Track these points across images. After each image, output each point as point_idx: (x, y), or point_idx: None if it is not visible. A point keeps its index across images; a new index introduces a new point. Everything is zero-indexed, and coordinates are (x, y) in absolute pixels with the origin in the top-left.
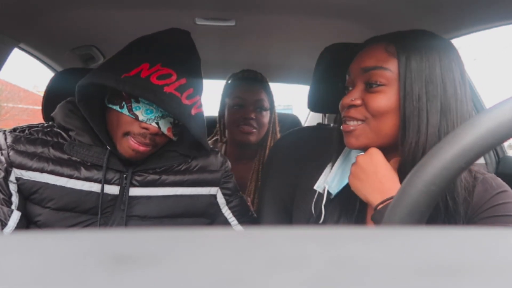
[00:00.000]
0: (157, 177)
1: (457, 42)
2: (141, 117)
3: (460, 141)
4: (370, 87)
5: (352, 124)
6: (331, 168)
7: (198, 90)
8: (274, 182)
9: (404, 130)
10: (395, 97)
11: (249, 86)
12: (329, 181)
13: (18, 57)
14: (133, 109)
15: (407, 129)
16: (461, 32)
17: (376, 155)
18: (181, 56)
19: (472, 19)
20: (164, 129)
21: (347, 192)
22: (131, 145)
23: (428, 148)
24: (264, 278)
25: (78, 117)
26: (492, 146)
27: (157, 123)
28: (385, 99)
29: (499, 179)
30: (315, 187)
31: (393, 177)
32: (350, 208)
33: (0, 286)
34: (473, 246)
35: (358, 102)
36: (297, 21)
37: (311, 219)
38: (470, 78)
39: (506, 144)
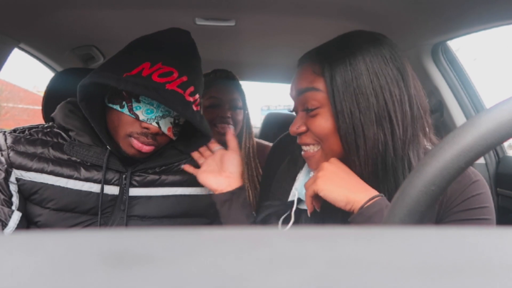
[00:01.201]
0: (156, 177)
1: (456, 42)
2: (141, 117)
3: (460, 141)
4: (308, 111)
5: (308, 150)
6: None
7: (198, 89)
8: (274, 182)
9: (344, 149)
10: (331, 117)
11: (223, 86)
12: (299, 188)
13: (18, 57)
14: (134, 109)
15: (346, 148)
16: (461, 32)
17: (339, 162)
18: (182, 55)
19: (472, 19)
20: (165, 129)
21: None
22: (134, 145)
23: (371, 163)
24: (264, 278)
25: (78, 117)
26: (492, 146)
27: (158, 123)
28: (324, 121)
29: (471, 167)
30: (289, 199)
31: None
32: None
33: (2, 286)
34: (473, 246)
35: (303, 128)
36: (297, 21)
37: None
38: (470, 78)
39: (506, 144)
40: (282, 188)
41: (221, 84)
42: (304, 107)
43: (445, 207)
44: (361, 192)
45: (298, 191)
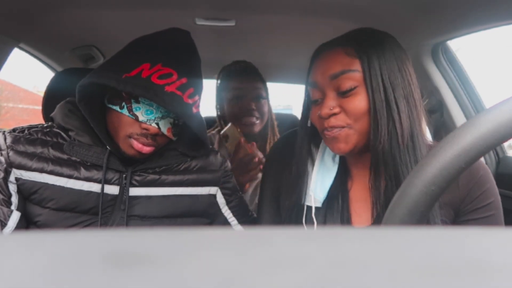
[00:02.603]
0: (156, 177)
1: (456, 42)
2: (141, 118)
3: (460, 141)
4: (344, 92)
5: (336, 130)
6: (306, 177)
7: (198, 90)
8: (273, 183)
9: (376, 123)
10: (366, 95)
11: (244, 76)
12: (313, 189)
13: (18, 57)
14: (133, 110)
15: (379, 121)
16: (461, 32)
17: None
18: (182, 56)
19: (472, 19)
20: (164, 129)
21: (328, 194)
22: (134, 146)
23: (405, 135)
24: (264, 278)
25: (77, 117)
26: (492, 146)
27: (157, 124)
28: (362, 100)
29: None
30: (303, 202)
31: None
32: (333, 209)
33: (2, 286)
34: (473, 246)
35: (337, 110)
36: (297, 21)
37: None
38: (470, 78)
39: (506, 144)
40: (294, 189)
41: (242, 75)
42: (338, 89)
43: (460, 205)
44: None
45: (314, 192)
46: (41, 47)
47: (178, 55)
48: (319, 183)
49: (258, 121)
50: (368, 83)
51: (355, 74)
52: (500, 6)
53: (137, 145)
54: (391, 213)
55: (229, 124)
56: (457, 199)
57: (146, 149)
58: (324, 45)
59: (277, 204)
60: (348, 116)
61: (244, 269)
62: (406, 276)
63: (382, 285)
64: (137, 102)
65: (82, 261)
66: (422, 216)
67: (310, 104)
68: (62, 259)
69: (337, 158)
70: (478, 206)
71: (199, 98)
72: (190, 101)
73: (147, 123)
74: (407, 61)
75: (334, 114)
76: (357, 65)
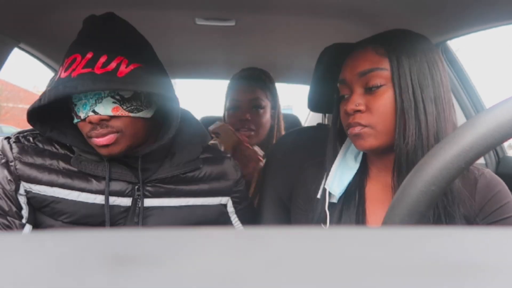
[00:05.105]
0: (170, 186)
1: (456, 42)
2: (82, 116)
3: (460, 141)
4: (371, 90)
5: (358, 128)
6: (327, 172)
7: (115, 55)
8: (274, 182)
9: (403, 123)
10: (394, 95)
11: (243, 86)
12: (330, 183)
13: (18, 57)
14: (77, 112)
15: (407, 122)
16: (461, 32)
17: None
18: (84, 38)
19: (472, 19)
20: (107, 111)
21: (346, 191)
22: (96, 143)
23: (431, 137)
24: (264, 278)
25: (69, 139)
26: (492, 146)
27: (94, 111)
28: (388, 99)
29: (493, 174)
30: (318, 196)
31: None
32: (350, 206)
33: (2, 286)
34: (473, 246)
35: (363, 107)
36: (297, 21)
37: (316, 219)
38: (470, 78)
39: (506, 144)
40: (310, 191)
41: (242, 85)
42: (366, 86)
43: (476, 211)
44: None
45: (329, 187)
46: (41, 47)
47: (82, 38)
48: (336, 178)
49: (253, 133)
50: (396, 82)
51: (383, 73)
52: (500, 6)
53: (95, 140)
54: (391, 213)
55: (218, 122)
56: (472, 213)
57: (105, 140)
58: (356, 44)
59: (278, 203)
60: (373, 116)
61: (244, 269)
62: (406, 276)
63: (382, 285)
64: (74, 104)
65: (83, 261)
66: (422, 217)
67: (339, 103)
68: (63, 259)
69: (359, 158)
70: (493, 221)
71: (125, 59)
72: (104, 70)
73: (87, 115)
74: (440, 63)
75: (359, 111)
76: (386, 64)
